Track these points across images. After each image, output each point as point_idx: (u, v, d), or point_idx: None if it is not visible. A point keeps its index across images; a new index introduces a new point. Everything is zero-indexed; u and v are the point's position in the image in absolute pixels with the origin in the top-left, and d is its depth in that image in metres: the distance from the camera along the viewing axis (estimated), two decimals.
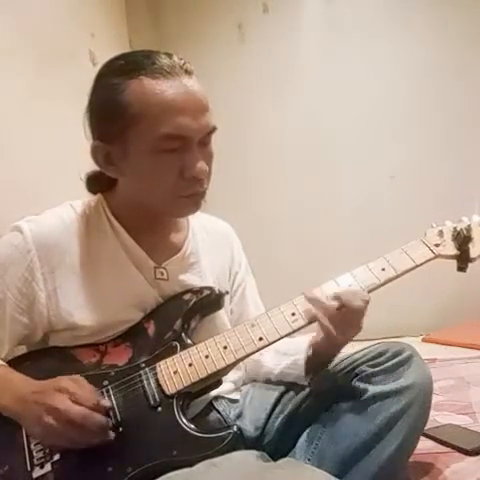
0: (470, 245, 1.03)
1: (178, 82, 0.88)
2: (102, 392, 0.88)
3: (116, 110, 0.88)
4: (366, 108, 2.69)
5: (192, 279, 1.02)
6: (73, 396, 0.80)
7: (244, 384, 1.14)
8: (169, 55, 0.90)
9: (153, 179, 0.91)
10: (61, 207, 1.00)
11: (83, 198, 1.02)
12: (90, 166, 0.97)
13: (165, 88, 0.87)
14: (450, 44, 2.59)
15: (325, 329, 0.92)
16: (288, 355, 1.04)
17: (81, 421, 0.78)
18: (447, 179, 2.59)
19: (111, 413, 0.85)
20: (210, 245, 1.09)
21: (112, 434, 0.82)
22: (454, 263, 1.05)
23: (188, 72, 0.90)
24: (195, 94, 0.89)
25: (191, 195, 0.93)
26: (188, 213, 1.00)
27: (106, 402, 0.83)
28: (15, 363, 0.93)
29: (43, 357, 0.94)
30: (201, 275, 1.04)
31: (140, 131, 0.88)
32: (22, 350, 0.98)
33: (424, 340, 2.49)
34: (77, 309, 0.93)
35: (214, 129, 0.93)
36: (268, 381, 1.10)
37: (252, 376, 1.14)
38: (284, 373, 1.05)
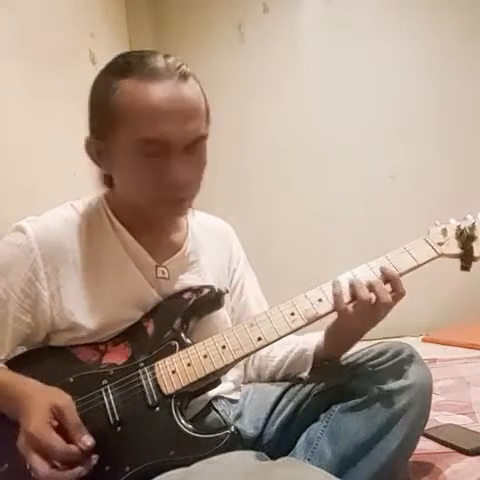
0: (474, 244, 1.00)
1: (168, 86, 0.86)
2: (101, 391, 0.88)
3: (104, 109, 0.88)
4: (366, 108, 2.69)
5: (192, 278, 1.02)
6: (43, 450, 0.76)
7: (249, 380, 1.14)
8: (167, 56, 0.89)
9: (135, 180, 0.91)
10: (62, 207, 1.00)
11: (83, 198, 1.02)
12: (88, 166, 0.97)
13: (152, 91, 0.85)
14: (450, 44, 2.59)
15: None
16: (295, 344, 1.07)
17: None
18: (447, 179, 2.59)
19: (109, 413, 0.85)
20: (209, 244, 1.09)
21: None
22: (455, 262, 1.03)
23: (183, 75, 0.87)
24: (184, 99, 0.87)
25: (171, 200, 0.92)
26: (170, 216, 1.00)
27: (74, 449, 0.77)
28: (14, 362, 0.93)
29: (42, 356, 0.94)
30: (201, 274, 1.04)
31: (122, 133, 0.88)
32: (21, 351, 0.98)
33: (424, 340, 2.49)
34: (78, 308, 0.93)
35: (201, 138, 0.90)
36: (274, 375, 1.10)
37: (258, 369, 1.14)
38: (291, 361, 1.07)
